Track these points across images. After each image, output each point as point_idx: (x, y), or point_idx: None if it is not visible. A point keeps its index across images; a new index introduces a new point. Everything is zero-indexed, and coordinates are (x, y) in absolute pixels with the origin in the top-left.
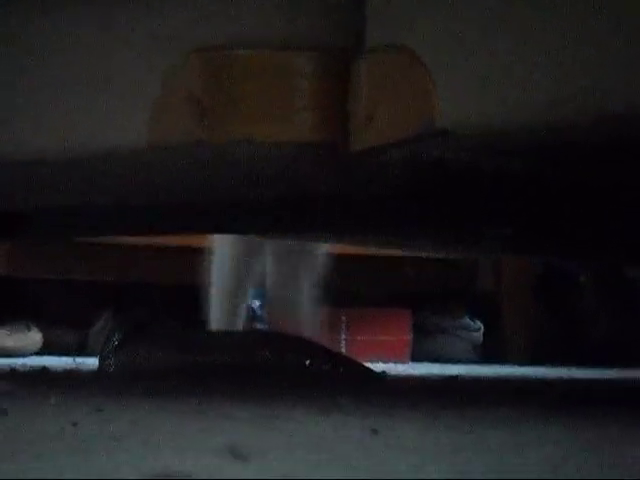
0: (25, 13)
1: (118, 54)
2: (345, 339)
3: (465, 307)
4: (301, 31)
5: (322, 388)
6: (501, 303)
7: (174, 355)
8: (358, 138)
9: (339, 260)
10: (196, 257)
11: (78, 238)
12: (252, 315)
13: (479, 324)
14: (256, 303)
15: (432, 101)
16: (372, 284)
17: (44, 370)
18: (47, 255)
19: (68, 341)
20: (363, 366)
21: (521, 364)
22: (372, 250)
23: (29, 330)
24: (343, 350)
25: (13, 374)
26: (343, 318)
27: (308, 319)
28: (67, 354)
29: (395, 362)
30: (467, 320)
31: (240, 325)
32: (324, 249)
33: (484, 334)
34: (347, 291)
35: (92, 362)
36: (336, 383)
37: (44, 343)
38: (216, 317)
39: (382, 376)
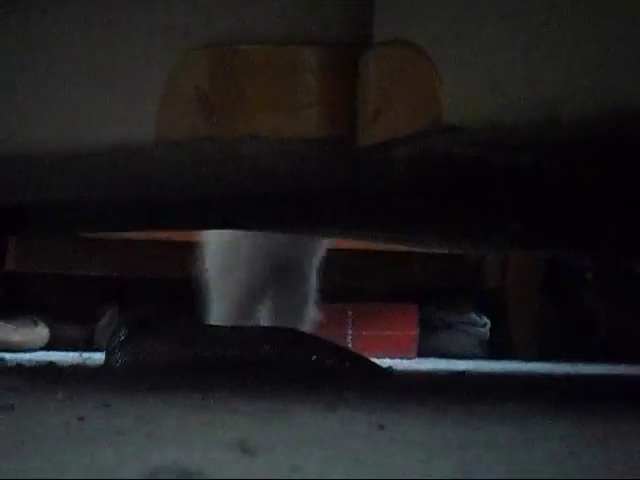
0: (27, 8)
1: (123, 50)
2: (351, 334)
3: (472, 303)
4: (308, 26)
5: (329, 383)
6: (507, 299)
7: (180, 350)
8: (365, 134)
9: (346, 255)
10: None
11: (83, 233)
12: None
13: (485, 320)
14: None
15: (439, 97)
16: (378, 279)
17: (51, 365)
18: (53, 250)
19: (74, 336)
20: (370, 361)
21: (528, 360)
22: (379, 245)
23: (36, 325)
24: (349, 345)
25: (20, 369)
26: (349, 313)
27: (306, 314)
28: (73, 349)
29: (401, 357)
30: (474, 316)
31: (247, 321)
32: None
33: (490, 330)
34: (353, 286)
35: (98, 357)
36: (342, 378)
37: (51, 338)
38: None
39: (389, 371)
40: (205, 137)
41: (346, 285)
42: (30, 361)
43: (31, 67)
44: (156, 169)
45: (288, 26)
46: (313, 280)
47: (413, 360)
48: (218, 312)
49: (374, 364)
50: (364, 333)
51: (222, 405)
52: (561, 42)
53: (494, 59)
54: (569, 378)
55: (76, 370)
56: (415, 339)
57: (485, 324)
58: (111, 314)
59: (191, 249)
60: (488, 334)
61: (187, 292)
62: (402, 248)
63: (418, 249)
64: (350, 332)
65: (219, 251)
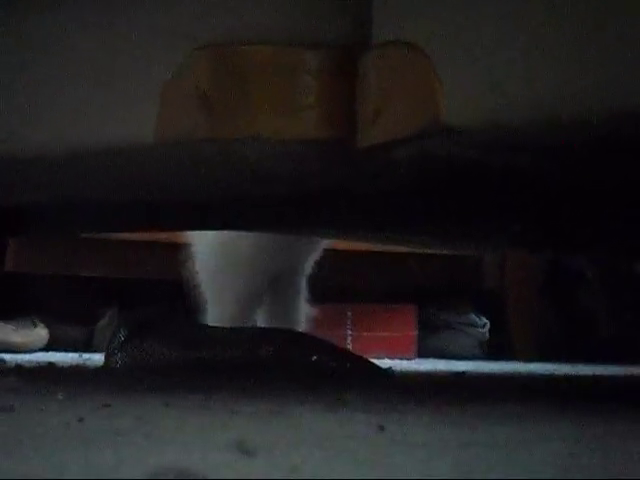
0: (27, 9)
1: (124, 50)
2: (351, 335)
3: (471, 303)
4: (308, 27)
5: (328, 384)
6: (507, 299)
7: (179, 351)
8: (365, 135)
9: (345, 256)
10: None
11: (82, 234)
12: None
13: (485, 320)
14: None
15: (438, 98)
16: (378, 280)
17: (50, 366)
18: (53, 251)
19: (74, 337)
20: (369, 362)
21: (527, 360)
22: (378, 246)
23: (35, 326)
24: (349, 346)
25: (19, 370)
26: (349, 314)
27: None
28: (73, 350)
29: (401, 358)
30: (473, 316)
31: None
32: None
33: (490, 330)
34: (353, 287)
35: (98, 358)
36: (342, 379)
37: (50, 339)
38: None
39: (388, 372)
40: (205, 138)
41: (345, 286)
42: (30, 362)
43: (31, 68)
44: (156, 170)
45: (288, 27)
46: (304, 282)
47: (412, 361)
48: (213, 316)
49: (374, 365)
50: (363, 334)
51: (221, 406)
52: (561, 42)
53: (493, 60)
54: (569, 379)
55: (76, 371)
56: (414, 340)
57: (484, 325)
58: (111, 315)
59: (190, 250)
60: (487, 335)
61: (187, 293)
62: (401, 249)
63: (417, 250)
64: (349, 333)
65: (212, 253)
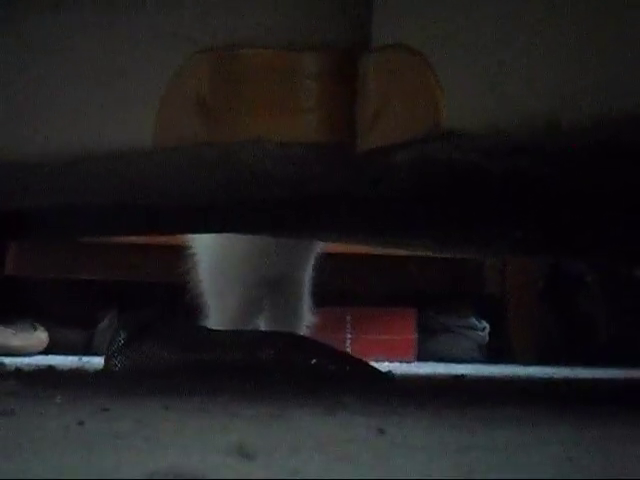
0: (27, 10)
1: (123, 53)
2: (350, 338)
3: (471, 307)
4: (308, 31)
5: (328, 387)
6: (507, 303)
7: (179, 354)
8: (365, 139)
9: (345, 259)
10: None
11: (82, 238)
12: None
13: (485, 324)
14: None
15: (438, 102)
16: (377, 283)
17: (50, 369)
18: (53, 255)
19: (74, 340)
20: (369, 365)
21: (527, 364)
22: (378, 249)
23: (35, 329)
24: (348, 349)
25: (19, 373)
26: (348, 317)
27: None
28: (73, 353)
29: (400, 361)
30: (473, 319)
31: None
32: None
33: (490, 334)
34: (352, 290)
35: (98, 361)
36: (342, 382)
37: (50, 342)
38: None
39: (388, 375)
40: (204, 142)
41: (345, 289)
42: (29, 365)
43: (30, 71)
44: (156, 174)
45: (288, 31)
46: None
47: (412, 364)
48: (212, 319)
49: (374, 368)
50: (363, 337)
51: (221, 409)
52: (562, 44)
53: (493, 62)
54: (568, 382)
55: (75, 374)
56: (414, 343)
57: (484, 328)
58: (110, 318)
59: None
60: (487, 338)
61: (187, 296)
62: (401, 252)
63: (417, 253)
64: (349, 336)
65: (212, 257)
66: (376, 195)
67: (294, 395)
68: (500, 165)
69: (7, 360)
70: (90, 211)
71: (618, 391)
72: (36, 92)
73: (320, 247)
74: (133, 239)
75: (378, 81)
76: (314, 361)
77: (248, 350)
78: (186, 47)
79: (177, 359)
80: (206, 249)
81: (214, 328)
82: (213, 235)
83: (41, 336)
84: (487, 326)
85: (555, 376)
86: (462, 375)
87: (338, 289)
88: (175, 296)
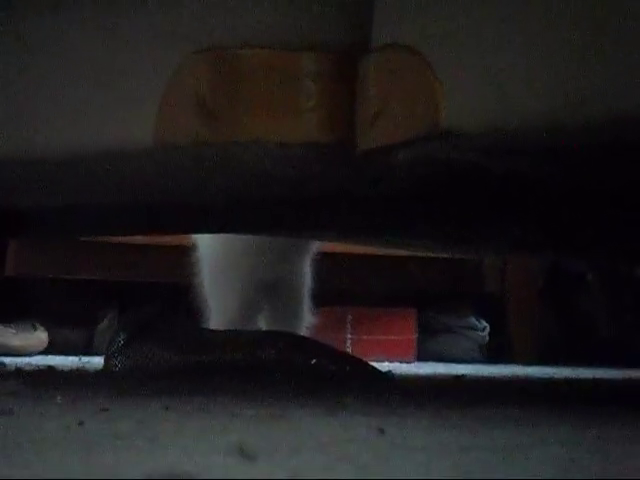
0: (27, 11)
1: (123, 53)
2: (351, 338)
3: (471, 307)
4: (308, 31)
5: (328, 387)
6: (507, 302)
7: (180, 354)
8: (364, 138)
9: (345, 259)
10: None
11: (82, 237)
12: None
13: (485, 324)
14: None
15: (437, 102)
16: (378, 283)
17: (50, 369)
18: (52, 254)
19: (74, 340)
20: (369, 365)
21: (527, 364)
22: (378, 249)
23: (35, 329)
24: (349, 349)
25: (19, 373)
26: (348, 317)
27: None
28: (73, 353)
29: (401, 361)
30: (473, 319)
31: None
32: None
33: (490, 333)
34: (353, 290)
35: (98, 361)
36: (342, 382)
37: (50, 342)
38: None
39: (388, 375)
40: (204, 141)
41: (345, 289)
42: (29, 365)
43: (30, 71)
44: (155, 173)
45: (288, 31)
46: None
47: (412, 364)
48: (212, 319)
49: (374, 368)
50: (363, 337)
51: (222, 409)
52: (562, 44)
53: (493, 63)
54: (568, 382)
55: (75, 374)
56: (414, 343)
57: (484, 328)
58: (110, 318)
59: (191, 253)
60: (487, 338)
61: (187, 296)
62: (401, 252)
63: (418, 253)
64: (349, 336)
65: (211, 257)
66: (376, 195)
67: (294, 395)
68: (500, 164)
69: (7, 360)
70: (90, 210)
71: (618, 391)
72: (36, 92)
73: (317, 246)
74: (133, 239)
75: (378, 81)
76: (314, 361)
77: (248, 350)
78: (186, 47)
79: (177, 359)
80: (206, 250)
81: (214, 328)
82: (213, 235)
83: (41, 336)
84: (487, 326)
85: (555, 376)
86: (462, 375)
87: (338, 289)
88: (175, 296)
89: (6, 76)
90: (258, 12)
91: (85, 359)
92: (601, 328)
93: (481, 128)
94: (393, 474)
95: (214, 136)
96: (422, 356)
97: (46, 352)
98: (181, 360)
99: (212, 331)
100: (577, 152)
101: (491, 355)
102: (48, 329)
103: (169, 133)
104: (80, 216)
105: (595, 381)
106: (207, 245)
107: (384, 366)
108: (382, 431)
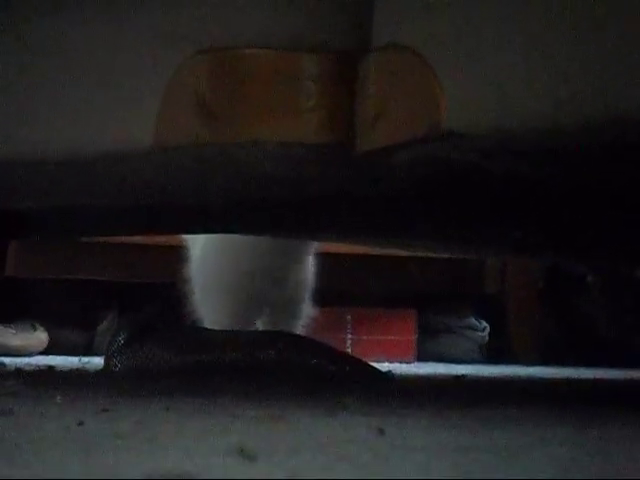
0: (27, 11)
1: (123, 53)
2: (351, 339)
3: (471, 307)
4: (308, 32)
5: (328, 388)
6: (507, 303)
7: (180, 354)
8: (365, 139)
9: (345, 260)
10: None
11: (82, 238)
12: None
13: (485, 324)
14: None
15: (438, 102)
16: (378, 284)
17: (50, 369)
18: (53, 255)
19: (74, 341)
20: (369, 366)
21: (527, 364)
22: (378, 250)
23: (35, 330)
24: (349, 350)
25: (19, 374)
26: (348, 318)
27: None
28: (73, 354)
29: (400, 362)
30: (473, 320)
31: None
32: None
33: (490, 334)
34: (353, 291)
35: (98, 362)
36: (342, 383)
37: (50, 343)
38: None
39: (388, 376)
40: (204, 142)
41: (345, 289)
42: (29, 365)
43: (31, 71)
44: (156, 174)
45: (288, 32)
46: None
47: (412, 364)
48: (212, 320)
49: (374, 368)
50: (363, 337)
51: (222, 410)
52: (562, 45)
53: (494, 63)
54: (568, 383)
55: (75, 375)
56: (414, 343)
57: (484, 328)
58: (110, 319)
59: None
60: (487, 338)
61: (186, 297)
62: (401, 253)
63: (418, 254)
64: (349, 336)
65: (210, 257)
66: (376, 195)
67: (294, 396)
68: (500, 165)
69: (7, 360)
70: (90, 211)
71: (618, 391)
72: (36, 92)
73: (316, 247)
74: (134, 239)
75: (378, 82)
76: (314, 361)
77: (248, 351)
78: (186, 47)
79: (177, 360)
80: (206, 250)
81: (214, 329)
82: (212, 236)
83: (41, 336)
84: (487, 326)
85: (555, 376)
86: (462, 375)
87: (338, 289)
88: (175, 296)
89: (6, 76)
90: (258, 12)
91: (85, 359)
92: (601, 329)
93: (481, 129)
94: (393, 474)
95: (214, 136)
96: (422, 356)
97: (46, 352)
98: (181, 360)
99: (212, 331)
100: (577, 153)
101: (491, 355)
102: (48, 329)
103: (169, 133)
104: (80, 216)
105: (595, 381)
106: (206, 244)
107: (384, 366)
108: (382, 431)
